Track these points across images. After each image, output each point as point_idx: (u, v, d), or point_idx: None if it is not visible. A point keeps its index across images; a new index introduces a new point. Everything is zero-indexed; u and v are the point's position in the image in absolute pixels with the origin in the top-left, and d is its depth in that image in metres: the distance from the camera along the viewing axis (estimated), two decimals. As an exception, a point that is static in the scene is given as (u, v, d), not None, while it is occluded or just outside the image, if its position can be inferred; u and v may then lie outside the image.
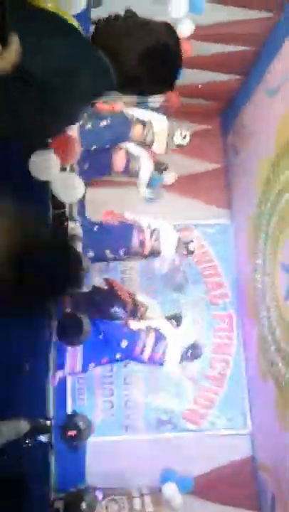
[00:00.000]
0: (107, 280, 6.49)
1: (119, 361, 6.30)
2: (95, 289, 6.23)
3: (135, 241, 6.37)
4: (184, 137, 6.75)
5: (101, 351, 6.01)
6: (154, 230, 6.44)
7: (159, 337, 6.21)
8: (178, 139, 6.71)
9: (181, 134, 6.72)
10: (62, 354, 5.51)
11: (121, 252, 6.49)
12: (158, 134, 6.52)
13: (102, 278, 6.61)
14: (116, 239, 6.36)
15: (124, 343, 5.98)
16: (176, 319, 6.52)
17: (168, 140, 6.66)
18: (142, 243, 6.37)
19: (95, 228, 6.25)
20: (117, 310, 5.98)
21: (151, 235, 6.43)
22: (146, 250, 6.43)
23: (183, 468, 7.20)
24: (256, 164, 7.56)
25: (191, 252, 6.91)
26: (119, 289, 6.33)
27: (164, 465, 7.17)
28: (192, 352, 6.43)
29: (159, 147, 6.62)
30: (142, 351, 6.05)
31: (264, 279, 7.36)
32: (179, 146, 6.84)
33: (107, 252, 6.38)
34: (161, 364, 6.27)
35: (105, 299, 6.13)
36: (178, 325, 6.45)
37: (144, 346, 6.05)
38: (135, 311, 6.23)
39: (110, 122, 6.22)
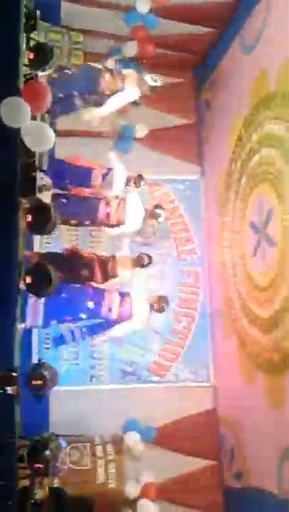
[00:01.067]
0: (67, 248, 6.57)
1: (84, 320, 6.36)
2: (59, 254, 6.33)
3: (101, 213, 6.38)
4: (156, 80, 6.67)
5: (64, 310, 6.05)
6: (121, 200, 6.42)
7: (123, 294, 6.27)
8: (150, 81, 6.63)
9: (152, 77, 6.65)
10: (23, 308, 5.55)
11: (86, 222, 6.55)
12: (129, 77, 6.43)
13: (63, 248, 6.66)
14: (82, 210, 6.37)
15: (90, 304, 6.04)
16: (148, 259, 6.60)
17: (139, 84, 6.58)
18: (108, 215, 6.38)
19: (64, 200, 6.21)
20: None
21: (118, 207, 6.42)
22: (112, 222, 6.45)
23: (146, 419, 7.37)
24: (229, 121, 7.52)
25: (159, 223, 6.96)
26: (80, 251, 6.41)
27: (127, 415, 7.32)
28: (158, 305, 6.50)
29: (131, 91, 6.54)
30: (110, 310, 6.12)
31: (232, 237, 7.42)
32: (152, 88, 6.75)
33: (72, 221, 6.45)
34: (130, 318, 6.34)
35: (70, 262, 6.17)
36: (148, 264, 6.51)
37: (110, 306, 6.12)
38: (104, 264, 6.26)
39: (77, 71, 6.13)
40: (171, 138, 8.25)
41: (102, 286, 6.16)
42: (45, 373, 5.16)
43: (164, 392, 7.63)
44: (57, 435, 5.40)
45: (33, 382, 4.99)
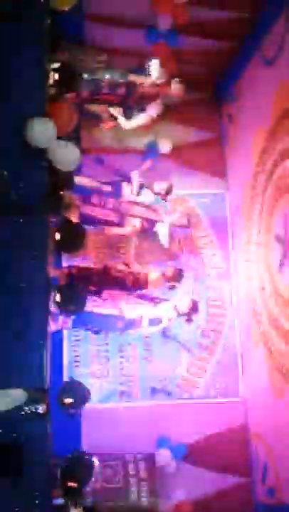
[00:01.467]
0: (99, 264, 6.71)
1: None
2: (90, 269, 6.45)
3: None
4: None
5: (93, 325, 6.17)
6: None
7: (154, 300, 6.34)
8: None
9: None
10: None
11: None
12: None
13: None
14: None
15: (120, 324, 6.14)
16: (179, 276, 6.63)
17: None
18: None
19: None
20: None
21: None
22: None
23: (176, 435, 7.32)
24: (252, 134, 7.52)
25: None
26: (113, 269, 6.48)
27: (158, 432, 7.29)
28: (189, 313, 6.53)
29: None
30: (140, 326, 6.21)
31: (258, 250, 7.38)
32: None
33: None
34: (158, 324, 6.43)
35: (101, 278, 6.27)
36: (179, 280, 6.55)
37: (140, 324, 6.20)
38: (136, 282, 6.33)
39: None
40: (195, 152, 8.28)
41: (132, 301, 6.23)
42: (76, 391, 5.17)
43: (194, 408, 7.58)
44: (89, 453, 5.40)
45: (65, 401, 5.01)
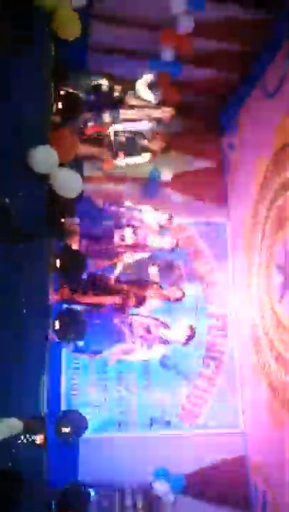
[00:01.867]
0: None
1: None
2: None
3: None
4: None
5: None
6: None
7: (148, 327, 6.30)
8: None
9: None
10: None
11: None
12: None
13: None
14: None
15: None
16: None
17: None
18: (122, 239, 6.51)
19: None
20: None
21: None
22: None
23: (175, 466, 7.24)
24: (253, 164, 7.57)
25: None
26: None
27: (156, 463, 7.20)
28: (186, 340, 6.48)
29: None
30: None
31: (259, 279, 7.37)
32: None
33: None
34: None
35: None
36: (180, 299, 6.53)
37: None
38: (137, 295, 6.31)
39: None
40: (197, 181, 8.34)
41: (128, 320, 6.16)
42: (74, 420, 5.12)
43: (193, 439, 7.51)
44: (86, 484, 5.33)
45: (63, 430, 4.95)
